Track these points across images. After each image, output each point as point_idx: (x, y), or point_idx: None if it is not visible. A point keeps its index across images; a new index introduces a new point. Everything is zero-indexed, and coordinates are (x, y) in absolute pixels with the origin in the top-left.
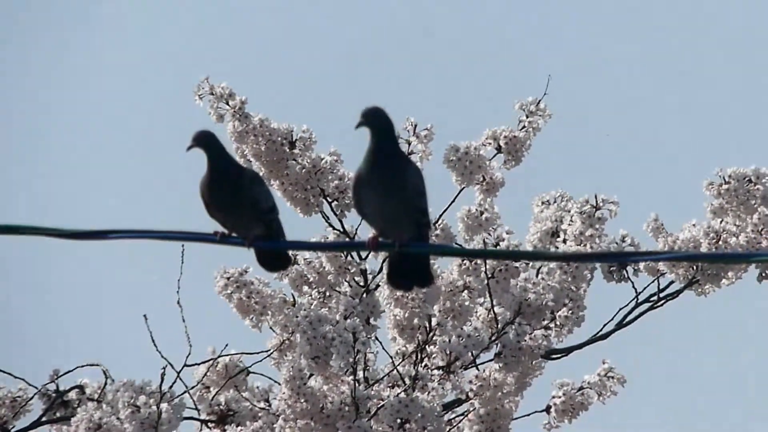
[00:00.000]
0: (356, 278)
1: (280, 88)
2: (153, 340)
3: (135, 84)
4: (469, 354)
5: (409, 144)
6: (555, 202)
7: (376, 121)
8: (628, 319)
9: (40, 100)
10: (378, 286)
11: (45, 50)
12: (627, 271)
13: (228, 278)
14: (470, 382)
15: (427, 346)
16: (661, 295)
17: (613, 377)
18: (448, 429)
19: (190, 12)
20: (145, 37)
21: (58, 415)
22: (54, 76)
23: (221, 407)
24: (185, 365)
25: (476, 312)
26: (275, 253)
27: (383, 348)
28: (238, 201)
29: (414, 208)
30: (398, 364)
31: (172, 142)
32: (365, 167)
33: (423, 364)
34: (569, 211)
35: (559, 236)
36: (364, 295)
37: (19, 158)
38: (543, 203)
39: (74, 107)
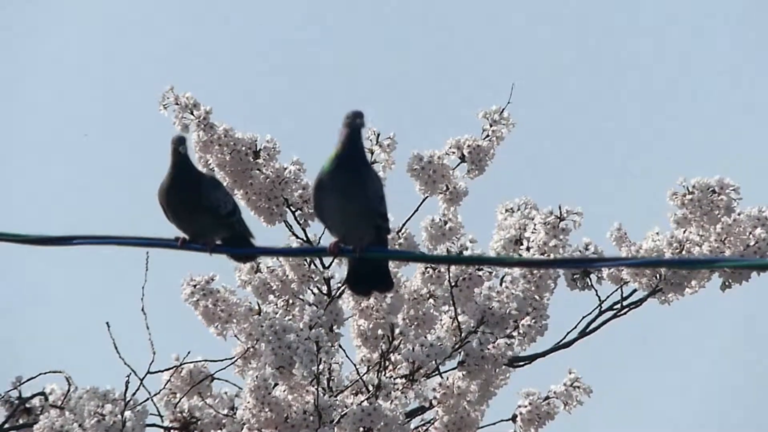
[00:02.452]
0: (320, 286)
1: (244, 98)
2: (116, 347)
3: (99, 90)
4: (432, 363)
5: (372, 153)
6: (519, 209)
7: (356, 123)
8: (591, 327)
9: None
10: (342, 294)
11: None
12: (590, 279)
13: (194, 286)
14: (434, 389)
15: (390, 355)
16: (625, 303)
17: (579, 387)
18: None
19: (155, 20)
20: (110, 45)
21: (20, 422)
22: (13, 78)
23: (184, 414)
24: (148, 372)
25: (440, 320)
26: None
27: (347, 356)
28: (197, 207)
29: (374, 213)
30: (363, 375)
31: (137, 148)
32: (327, 172)
33: (386, 373)
34: (533, 219)
35: (522, 244)
36: (328, 304)
37: None
38: (507, 211)
39: (36, 111)
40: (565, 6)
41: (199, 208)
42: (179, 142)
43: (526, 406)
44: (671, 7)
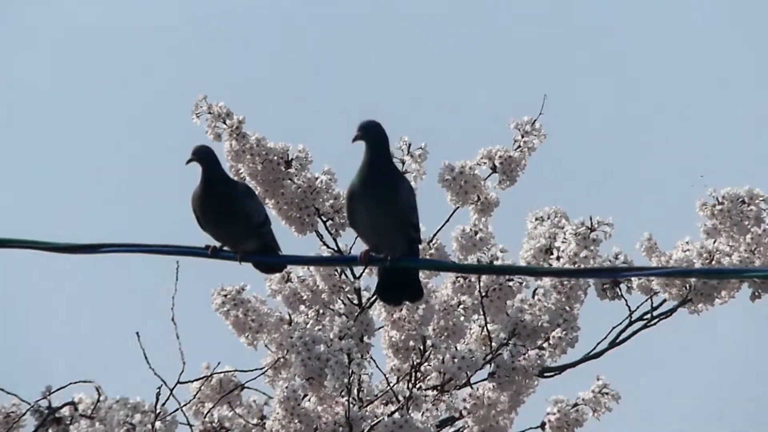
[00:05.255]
0: (350, 296)
1: (277, 108)
2: (146, 357)
3: (132, 99)
4: (464, 374)
5: (404, 163)
6: (549, 218)
7: (373, 134)
8: (621, 337)
9: (32, 110)
10: (372, 304)
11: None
12: (620, 289)
13: (225, 296)
14: (464, 400)
15: (421, 366)
16: (655, 313)
17: (607, 393)
18: None
19: (188, 30)
20: (143, 54)
21: (50, 431)
22: (47, 83)
23: (214, 424)
24: (178, 382)
25: (470, 330)
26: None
27: (377, 366)
28: (230, 215)
29: (405, 222)
30: (393, 385)
31: (167, 157)
32: (358, 182)
33: (417, 384)
34: (563, 228)
35: (552, 253)
36: (358, 314)
37: (9, 171)
38: (537, 219)
39: (71, 120)
40: (596, 17)
41: (232, 216)
42: (192, 155)
43: (554, 414)
44: (704, 19)
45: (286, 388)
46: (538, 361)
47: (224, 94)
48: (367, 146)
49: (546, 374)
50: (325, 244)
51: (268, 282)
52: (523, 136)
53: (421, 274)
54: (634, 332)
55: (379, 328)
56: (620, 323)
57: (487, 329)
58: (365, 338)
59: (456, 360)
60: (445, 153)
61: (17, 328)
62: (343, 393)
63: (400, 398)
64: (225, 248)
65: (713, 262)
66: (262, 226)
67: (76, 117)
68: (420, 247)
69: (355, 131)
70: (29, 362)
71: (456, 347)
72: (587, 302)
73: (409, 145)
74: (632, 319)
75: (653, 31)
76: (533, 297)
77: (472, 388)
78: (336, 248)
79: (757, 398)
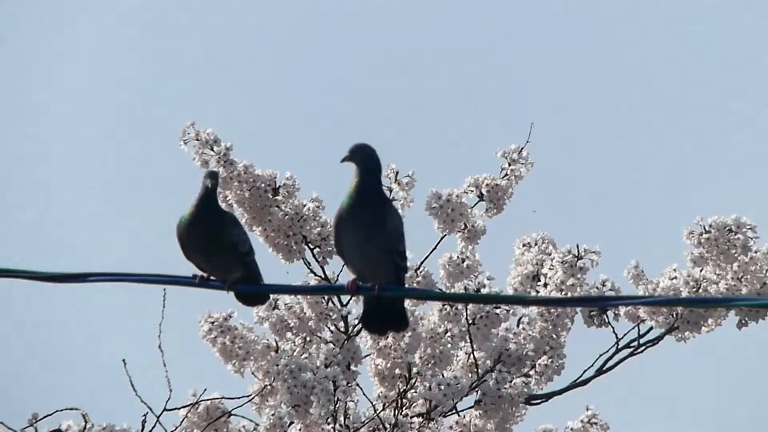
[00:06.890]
0: (337, 324)
1: (265, 135)
2: (132, 385)
3: (119, 125)
4: (450, 402)
5: (391, 191)
6: (536, 244)
7: (363, 158)
8: (608, 365)
9: (14, 138)
10: (359, 331)
11: (20, 81)
12: (607, 316)
13: (212, 323)
14: (450, 428)
15: (407, 393)
16: (642, 341)
17: (596, 423)
18: None
19: (176, 56)
20: (130, 79)
21: None
22: (32, 111)
23: None
24: (165, 409)
25: (456, 357)
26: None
27: (363, 393)
28: (217, 244)
29: (393, 251)
30: (379, 412)
31: (155, 184)
32: (346, 207)
33: (403, 411)
34: (550, 255)
35: (539, 280)
36: (345, 342)
37: None
38: (524, 245)
39: (54, 146)
40: (585, 46)
41: (220, 245)
42: (211, 177)
43: None
44: (689, 48)
45: (273, 415)
46: (525, 389)
47: (212, 120)
48: (357, 169)
49: (533, 401)
50: (312, 271)
51: (255, 309)
52: (510, 164)
53: (408, 302)
54: (621, 360)
55: (366, 355)
56: (607, 351)
57: (473, 357)
58: (352, 366)
59: (442, 387)
60: (432, 181)
61: (2, 356)
62: (329, 420)
63: (387, 425)
64: (212, 277)
65: (700, 291)
66: (247, 255)
67: (62, 143)
68: (407, 275)
69: (346, 153)
70: (15, 389)
71: (443, 374)
72: (574, 329)
73: (397, 172)
74: (619, 347)
75: (639, 57)
76: (518, 326)
77: (458, 415)
78: (323, 276)
79: (745, 423)
